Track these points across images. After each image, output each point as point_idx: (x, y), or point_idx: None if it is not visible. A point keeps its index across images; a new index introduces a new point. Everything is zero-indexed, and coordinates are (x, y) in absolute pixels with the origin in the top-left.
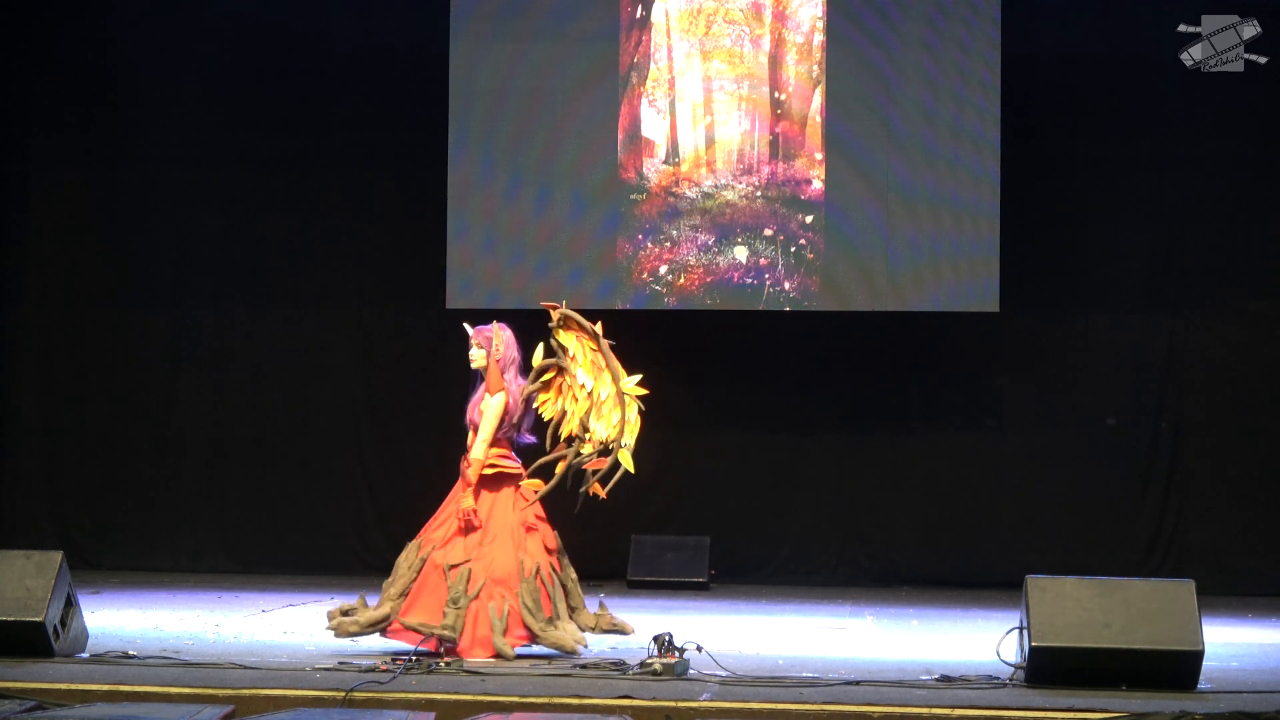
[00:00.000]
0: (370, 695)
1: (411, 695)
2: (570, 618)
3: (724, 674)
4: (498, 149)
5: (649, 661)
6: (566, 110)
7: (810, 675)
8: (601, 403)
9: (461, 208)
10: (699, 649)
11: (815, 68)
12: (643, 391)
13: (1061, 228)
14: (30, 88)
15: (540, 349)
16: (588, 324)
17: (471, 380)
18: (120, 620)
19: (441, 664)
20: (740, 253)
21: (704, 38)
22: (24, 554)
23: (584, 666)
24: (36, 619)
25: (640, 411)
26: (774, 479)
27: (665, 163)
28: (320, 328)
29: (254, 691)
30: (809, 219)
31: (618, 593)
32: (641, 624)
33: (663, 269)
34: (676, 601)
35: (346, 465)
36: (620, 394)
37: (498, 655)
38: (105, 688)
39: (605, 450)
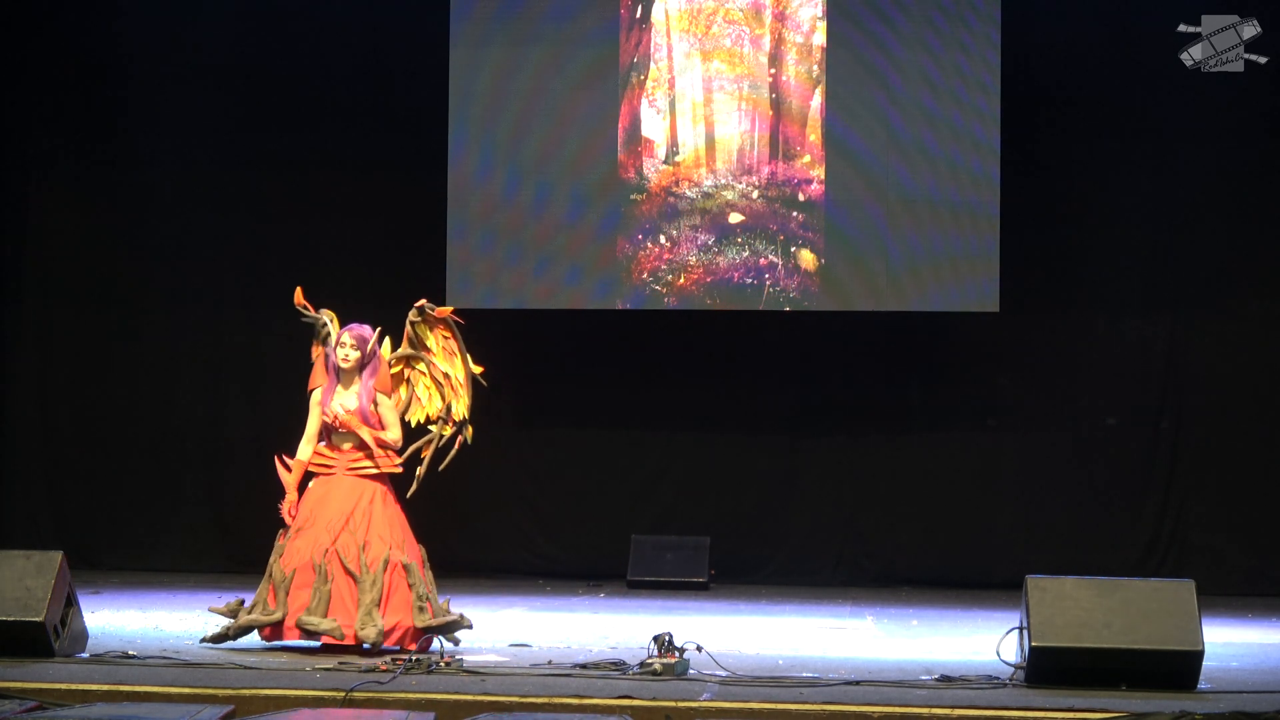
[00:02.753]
0: (370, 695)
1: (411, 695)
2: None
3: (724, 674)
4: (497, 148)
5: (649, 661)
6: (566, 110)
7: (810, 675)
8: (461, 385)
9: (461, 207)
10: (699, 649)
11: (815, 68)
12: (479, 369)
13: (1061, 228)
14: (29, 89)
15: (387, 344)
16: (444, 313)
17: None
18: (120, 620)
19: (441, 664)
20: (740, 252)
21: (704, 37)
22: (24, 554)
23: (584, 666)
24: (36, 619)
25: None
26: (774, 479)
27: (665, 162)
28: None
29: (254, 691)
30: (809, 219)
31: (618, 593)
32: (641, 624)
33: (662, 268)
34: (676, 601)
35: None
36: (470, 375)
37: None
38: (105, 688)
39: (461, 427)
